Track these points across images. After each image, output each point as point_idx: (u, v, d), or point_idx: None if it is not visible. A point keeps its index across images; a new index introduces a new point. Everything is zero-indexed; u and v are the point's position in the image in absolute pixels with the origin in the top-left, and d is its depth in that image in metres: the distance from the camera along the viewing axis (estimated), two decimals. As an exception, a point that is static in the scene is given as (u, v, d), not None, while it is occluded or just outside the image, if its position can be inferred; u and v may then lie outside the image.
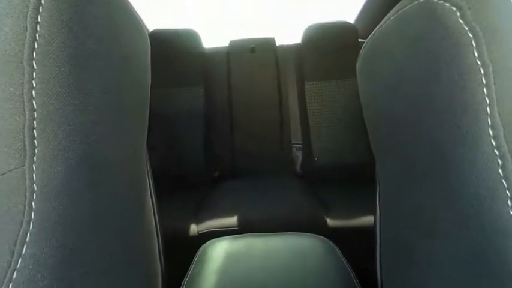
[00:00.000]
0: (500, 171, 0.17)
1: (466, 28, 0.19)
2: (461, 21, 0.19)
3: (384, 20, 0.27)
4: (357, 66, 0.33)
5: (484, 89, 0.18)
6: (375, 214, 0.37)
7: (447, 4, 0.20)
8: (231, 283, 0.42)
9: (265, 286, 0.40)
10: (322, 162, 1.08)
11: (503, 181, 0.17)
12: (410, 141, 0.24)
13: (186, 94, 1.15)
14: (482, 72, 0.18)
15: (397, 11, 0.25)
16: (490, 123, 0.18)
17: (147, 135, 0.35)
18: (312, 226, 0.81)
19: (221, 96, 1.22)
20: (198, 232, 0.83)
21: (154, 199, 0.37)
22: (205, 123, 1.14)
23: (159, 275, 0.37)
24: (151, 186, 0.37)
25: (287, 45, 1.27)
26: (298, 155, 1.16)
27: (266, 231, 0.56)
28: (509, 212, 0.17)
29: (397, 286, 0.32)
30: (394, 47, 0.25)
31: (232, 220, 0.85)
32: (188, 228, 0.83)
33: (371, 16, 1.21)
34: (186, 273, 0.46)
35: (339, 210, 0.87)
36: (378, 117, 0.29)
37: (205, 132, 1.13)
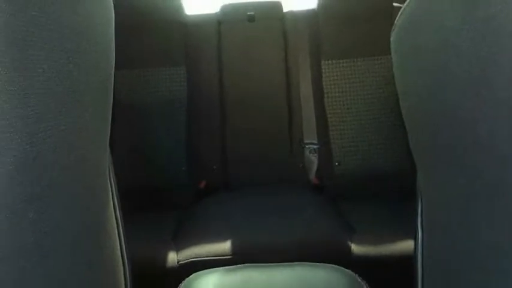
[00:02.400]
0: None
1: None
2: None
3: None
4: (391, 39, 0.33)
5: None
6: (415, 239, 0.38)
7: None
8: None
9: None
10: (345, 168, 1.08)
11: None
12: (467, 142, 0.24)
13: (163, 77, 1.14)
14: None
15: None
16: None
17: (112, 135, 0.35)
18: (331, 254, 0.81)
19: (209, 81, 1.21)
20: (178, 262, 0.83)
21: (119, 218, 0.37)
22: (187, 116, 1.13)
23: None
24: (116, 201, 0.37)
25: (298, 12, 1.27)
26: (313, 160, 1.16)
27: (269, 261, 0.56)
28: None
29: None
30: (443, 13, 0.25)
31: (224, 246, 0.85)
32: (165, 256, 0.83)
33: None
34: None
35: (367, 233, 0.87)
36: (421, 110, 0.30)
37: (187, 128, 1.13)
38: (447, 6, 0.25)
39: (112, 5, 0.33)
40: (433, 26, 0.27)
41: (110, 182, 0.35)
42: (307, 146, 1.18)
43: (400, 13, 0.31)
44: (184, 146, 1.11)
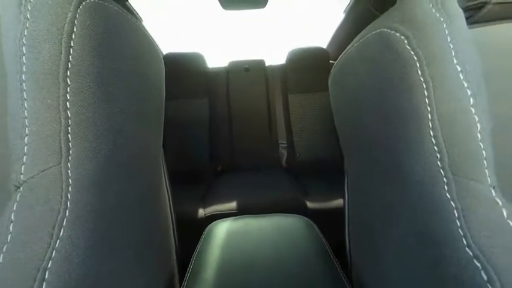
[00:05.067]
0: (438, 163, 0.18)
1: (412, 53, 0.19)
2: (408, 47, 0.20)
3: (349, 46, 0.28)
4: (328, 82, 0.33)
5: (426, 100, 0.19)
6: (344, 198, 0.38)
7: (397, 34, 0.21)
8: (231, 255, 0.42)
9: (258, 256, 0.40)
10: (302, 157, 1.09)
11: (441, 170, 0.18)
12: (371, 142, 0.25)
13: (195, 105, 1.14)
14: (425, 86, 0.19)
15: (359, 39, 0.26)
16: (430, 126, 0.18)
17: (164, 138, 0.35)
18: (295, 208, 0.81)
19: (222, 107, 1.21)
20: (205, 215, 0.82)
21: (169, 189, 0.37)
22: (209, 128, 1.13)
23: (174, 250, 0.37)
24: (166, 179, 0.36)
25: (274, 65, 1.27)
26: (284, 153, 1.17)
27: (259, 213, 0.56)
28: (446, 195, 0.17)
29: (361, 255, 0.33)
30: (357, 67, 0.26)
31: (232, 205, 0.84)
32: (197, 212, 0.83)
33: (339, 42, 1.23)
34: (195, 249, 0.46)
35: (317, 195, 0.87)
36: (346, 123, 0.30)
37: (209, 135, 1.13)
38: (359, 62, 0.26)
39: (162, 60, 0.33)
40: (351, 74, 0.27)
41: (163, 167, 0.35)
42: (280, 144, 1.18)
43: (333, 67, 0.31)
44: (207, 145, 1.11)
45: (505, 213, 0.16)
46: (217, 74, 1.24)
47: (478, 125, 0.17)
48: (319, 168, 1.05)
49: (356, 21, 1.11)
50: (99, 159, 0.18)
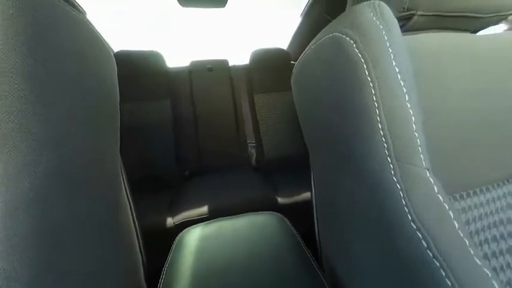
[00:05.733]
0: (385, 151, 0.20)
1: (360, 55, 0.22)
2: (356, 51, 0.22)
3: (307, 48, 0.30)
4: (291, 82, 0.35)
5: (373, 97, 0.21)
6: (311, 191, 0.40)
7: (347, 38, 0.23)
8: (205, 261, 0.40)
9: (233, 259, 0.40)
10: (271, 156, 1.12)
11: (388, 158, 0.20)
12: (331, 137, 0.26)
13: (156, 107, 1.06)
14: (371, 85, 0.21)
15: (316, 42, 0.28)
16: (379, 120, 0.21)
17: (123, 144, 0.31)
18: (266, 205, 0.83)
19: (186, 108, 1.15)
20: (174, 224, 0.77)
21: (131, 200, 0.33)
22: (174, 131, 1.07)
23: (141, 267, 0.34)
24: (127, 189, 0.33)
25: (238, 66, 1.27)
26: (253, 152, 1.18)
27: (232, 215, 0.55)
28: (393, 178, 0.20)
29: (329, 242, 0.35)
30: (315, 68, 0.27)
31: (203, 209, 0.81)
32: (165, 221, 0.77)
33: (298, 44, 1.30)
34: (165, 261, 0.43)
35: (286, 190, 0.90)
36: (308, 120, 0.31)
37: (174, 138, 1.06)
38: (316, 64, 0.27)
39: (113, 57, 0.29)
40: (310, 75, 0.29)
41: (122, 176, 0.32)
42: (249, 144, 1.19)
43: (294, 67, 0.33)
44: (173, 150, 1.04)
45: (436, 189, 0.19)
46: (178, 74, 1.17)
47: (413, 117, 0.20)
48: (287, 165, 1.10)
49: (311, 25, 1.19)
50: (38, 173, 0.16)
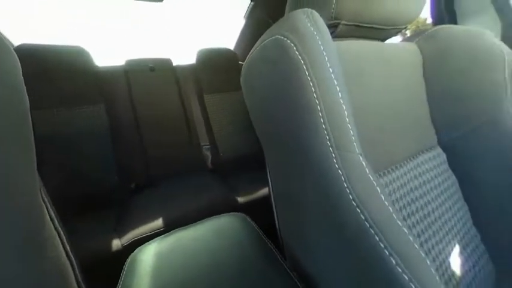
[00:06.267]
0: (328, 143, 0.23)
1: (300, 57, 0.24)
2: (297, 53, 0.24)
3: (253, 49, 0.31)
4: (240, 82, 0.35)
5: (314, 95, 0.24)
6: (269, 186, 0.42)
7: (288, 41, 0.25)
8: (164, 279, 0.37)
9: (198, 268, 0.38)
10: (226, 156, 1.11)
11: (330, 148, 0.23)
12: (281, 133, 0.28)
13: (87, 113, 0.89)
14: (311, 84, 0.24)
15: (260, 43, 0.29)
16: (321, 115, 0.23)
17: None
18: (227, 207, 0.82)
19: (125, 112, 1.02)
20: (122, 245, 0.68)
21: (60, 227, 0.27)
22: (112, 139, 0.92)
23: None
24: (53, 214, 0.27)
25: (183, 66, 1.20)
26: (208, 154, 1.14)
27: (191, 223, 0.52)
28: (335, 165, 0.23)
29: (289, 233, 0.38)
30: (261, 68, 0.29)
31: (157, 223, 0.74)
32: (110, 244, 0.67)
33: (244, 45, 1.33)
34: None
35: (245, 189, 0.91)
36: (259, 118, 0.33)
37: (112, 147, 0.92)
38: (262, 64, 0.29)
39: (15, 56, 0.23)
40: (257, 75, 0.30)
41: (43, 199, 0.26)
42: (203, 147, 1.15)
43: (243, 67, 0.33)
44: (112, 161, 0.90)
45: (367, 171, 0.23)
46: (112, 74, 1.02)
47: (346, 112, 0.24)
48: (243, 163, 1.11)
49: (255, 27, 1.23)
50: None
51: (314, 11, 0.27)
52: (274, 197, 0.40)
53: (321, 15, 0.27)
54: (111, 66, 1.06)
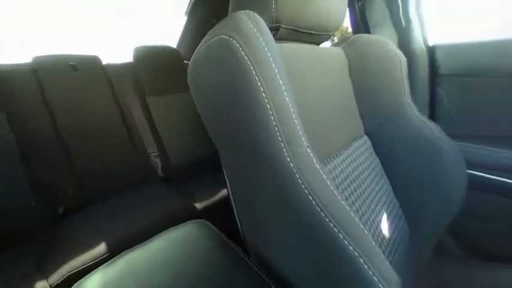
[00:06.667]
0: (279, 138, 0.25)
1: (246, 58, 0.25)
2: (243, 53, 0.25)
3: (197, 48, 0.29)
4: (188, 82, 0.33)
5: (263, 94, 0.25)
6: (227, 187, 0.41)
7: (234, 41, 0.25)
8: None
9: (161, 286, 0.35)
10: (179, 162, 1.03)
11: (281, 143, 0.25)
12: (234, 132, 0.28)
13: None
14: (260, 84, 0.25)
15: (205, 43, 0.28)
16: (271, 113, 0.25)
17: None
18: (186, 215, 0.77)
19: (39, 121, 0.81)
20: (51, 286, 0.55)
21: None
22: (22, 156, 0.72)
23: None
24: None
25: (116, 64, 1.05)
26: (158, 162, 1.04)
27: (145, 240, 0.46)
28: (287, 159, 0.25)
29: (250, 230, 0.38)
30: (208, 68, 0.28)
31: (99, 249, 0.63)
32: (33, 286, 0.53)
33: (187, 43, 1.27)
34: None
35: (202, 194, 0.88)
36: (210, 119, 0.32)
37: (23, 167, 0.72)
38: (209, 64, 0.28)
39: None
40: (205, 74, 0.29)
41: None
42: (151, 154, 1.04)
43: (189, 67, 0.32)
44: (26, 185, 0.71)
45: (314, 161, 0.26)
46: (14, 75, 0.81)
47: (292, 109, 0.26)
48: (198, 167, 1.06)
49: (198, 25, 1.19)
50: None
51: (256, 14, 0.28)
52: (234, 197, 0.40)
53: (262, 18, 0.29)
54: (12, 65, 0.83)
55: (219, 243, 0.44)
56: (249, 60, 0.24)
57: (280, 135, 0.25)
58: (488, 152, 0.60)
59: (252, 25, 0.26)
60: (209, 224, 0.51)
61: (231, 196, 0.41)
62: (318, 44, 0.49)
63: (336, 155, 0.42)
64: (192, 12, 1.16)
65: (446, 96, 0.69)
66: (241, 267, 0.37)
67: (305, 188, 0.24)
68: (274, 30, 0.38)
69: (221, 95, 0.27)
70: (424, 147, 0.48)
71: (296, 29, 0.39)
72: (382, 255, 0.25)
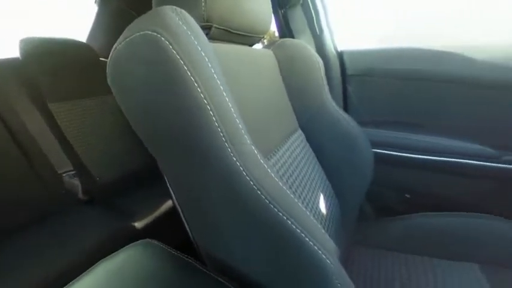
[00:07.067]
0: (223, 138, 0.25)
1: (178, 56, 0.23)
2: (174, 52, 0.23)
3: (116, 44, 0.25)
4: (108, 83, 0.28)
5: (201, 94, 0.24)
6: (171, 196, 0.38)
7: (163, 38, 0.23)
8: None
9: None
10: (106, 179, 0.86)
11: (225, 143, 0.25)
12: (172, 136, 0.26)
13: None
14: (196, 84, 0.24)
15: (126, 38, 0.24)
16: (212, 114, 0.24)
17: None
18: (125, 239, 0.66)
19: None
20: None
21: None
22: None
23: None
24: None
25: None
26: (76, 183, 0.84)
27: (74, 278, 0.37)
28: (233, 158, 0.25)
29: (199, 232, 0.37)
30: (132, 66, 0.25)
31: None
32: None
33: (104, 39, 1.07)
34: None
35: (141, 211, 0.78)
36: (141, 124, 0.28)
37: None
38: (133, 63, 0.25)
39: None
40: (130, 75, 0.26)
41: None
42: (65, 175, 0.83)
43: (107, 66, 0.27)
44: None
45: (259, 157, 0.27)
46: None
47: (232, 109, 0.26)
48: (132, 181, 0.93)
49: (113, 17, 1.02)
50: None
51: (183, 11, 0.27)
52: (180, 205, 0.38)
53: (192, 16, 0.27)
54: None
55: (168, 259, 0.40)
56: (182, 59, 0.23)
57: (223, 135, 0.25)
58: (387, 134, 0.79)
59: (181, 22, 0.25)
60: (155, 242, 0.45)
61: (176, 205, 0.38)
62: (250, 45, 0.51)
63: (277, 149, 0.45)
64: (104, 1, 0.99)
65: (353, 93, 0.86)
66: (198, 277, 0.35)
67: (254, 184, 0.25)
68: (206, 29, 0.37)
69: (153, 97, 0.25)
70: (343, 134, 0.59)
71: (228, 29, 0.40)
72: (323, 230, 0.29)
